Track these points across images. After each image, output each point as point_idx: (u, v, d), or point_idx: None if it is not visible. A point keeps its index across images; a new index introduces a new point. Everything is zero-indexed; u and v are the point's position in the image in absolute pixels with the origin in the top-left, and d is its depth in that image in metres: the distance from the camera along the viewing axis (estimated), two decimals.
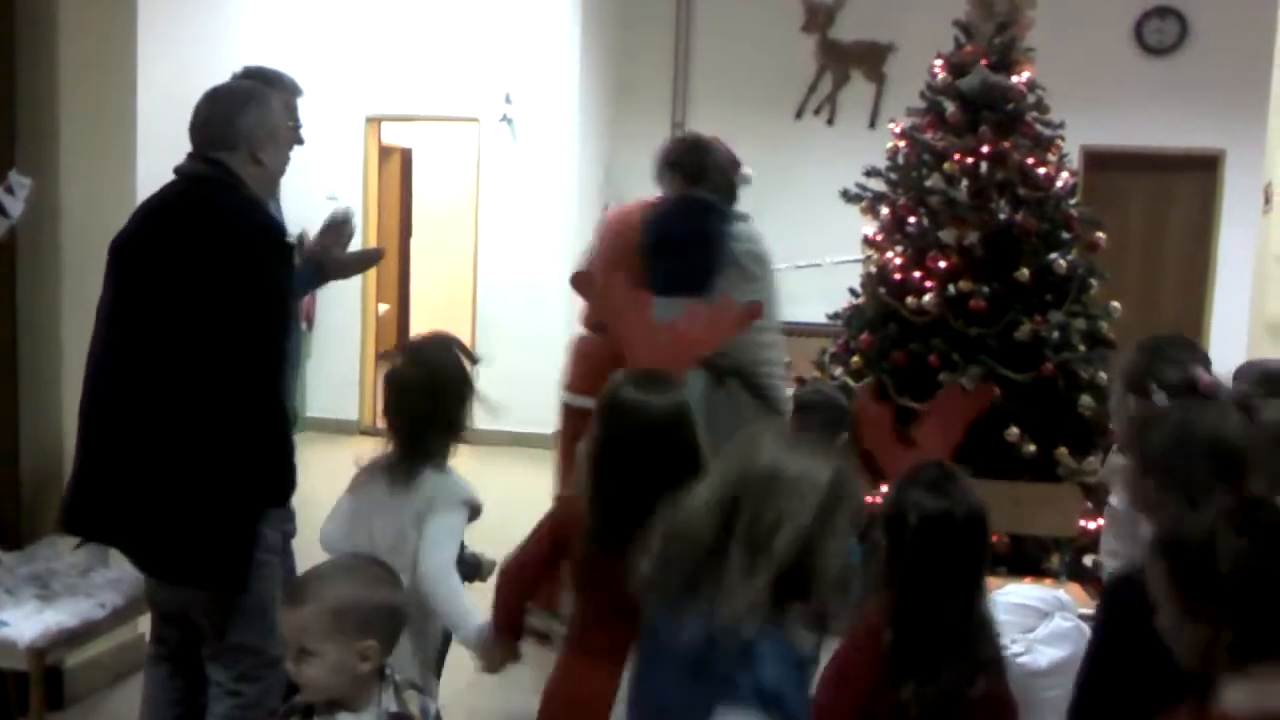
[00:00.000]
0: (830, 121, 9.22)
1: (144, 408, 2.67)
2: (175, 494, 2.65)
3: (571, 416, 4.48)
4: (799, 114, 9.26)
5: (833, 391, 4.05)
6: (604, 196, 8.49)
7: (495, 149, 8.53)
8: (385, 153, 9.81)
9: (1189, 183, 8.91)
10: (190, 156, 2.85)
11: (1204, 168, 8.80)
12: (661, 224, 4.06)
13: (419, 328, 10.28)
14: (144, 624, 3.60)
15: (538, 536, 2.51)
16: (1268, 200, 6.71)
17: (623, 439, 2.26)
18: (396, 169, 11.33)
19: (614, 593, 2.01)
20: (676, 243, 3.93)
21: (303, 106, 3.61)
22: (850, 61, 9.09)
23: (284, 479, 2.79)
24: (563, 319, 7.53)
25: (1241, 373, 4.16)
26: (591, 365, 4.18)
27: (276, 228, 2.87)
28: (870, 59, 9.02)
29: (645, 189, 9.41)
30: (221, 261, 2.66)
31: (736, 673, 1.59)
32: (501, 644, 2.55)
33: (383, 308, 9.60)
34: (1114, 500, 2.97)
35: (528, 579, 2.52)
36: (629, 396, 2.29)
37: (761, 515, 1.69)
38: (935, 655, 2.08)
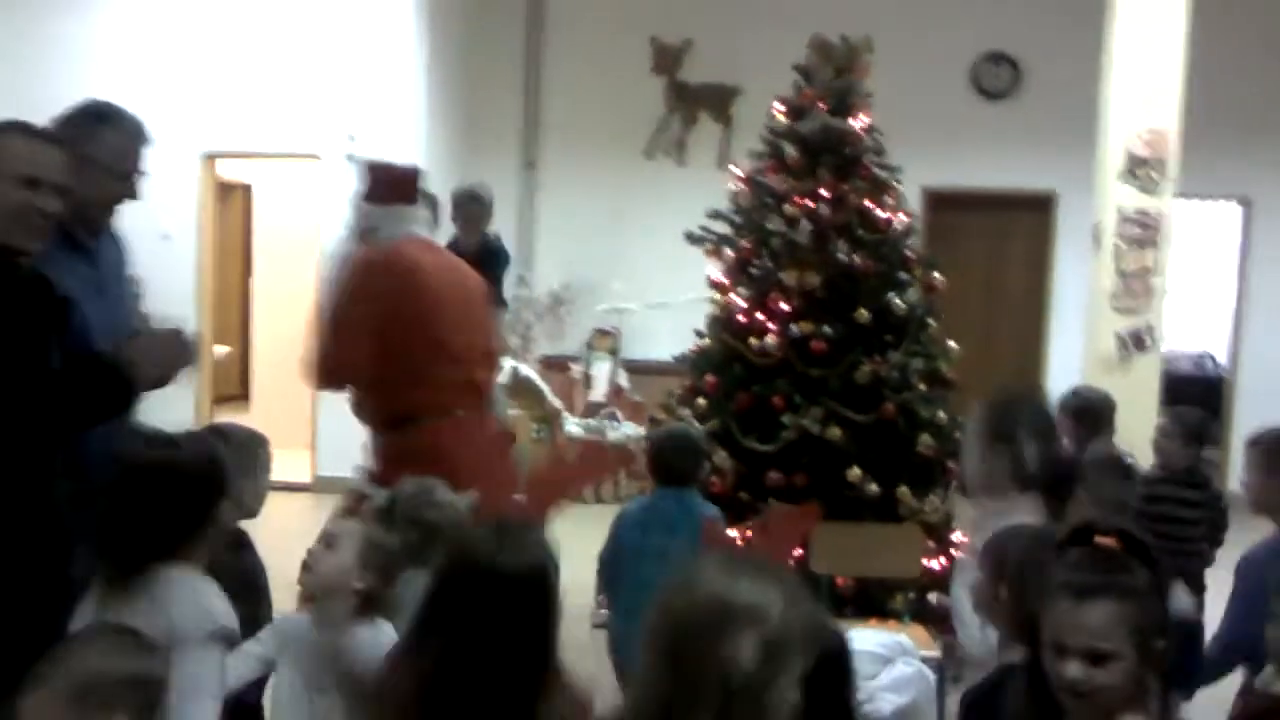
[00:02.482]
0: (680, 162, 9.27)
1: None
2: None
3: None
4: (649, 154, 9.29)
5: (686, 430, 4.02)
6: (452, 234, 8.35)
7: (339, 186, 8.31)
8: (226, 190, 9.48)
9: (1024, 222, 9.21)
10: None
11: (1038, 208, 9.11)
12: None
13: (261, 370, 9.94)
14: None
15: None
16: (1097, 240, 6.96)
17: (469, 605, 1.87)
18: (238, 206, 10.98)
19: None
20: None
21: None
22: (698, 103, 9.16)
23: None
24: None
25: (1064, 401, 4.31)
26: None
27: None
28: (717, 101, 9.10)
29: (500, 226, 9.35)
30: None
31: None
32: None
33: (222, 350, 9.25)
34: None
35: None
36: (480, 556, 1.91)
37: (704, 661, 1.39)
38: None
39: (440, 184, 8.69)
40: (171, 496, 2.26)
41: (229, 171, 9.33)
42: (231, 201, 10.60)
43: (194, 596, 2.22)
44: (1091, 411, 4.13)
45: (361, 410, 3.70)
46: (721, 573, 1.46)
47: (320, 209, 8.40)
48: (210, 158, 8.43)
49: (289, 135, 8.29)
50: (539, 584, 1.89)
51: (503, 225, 9.22)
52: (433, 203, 5.67)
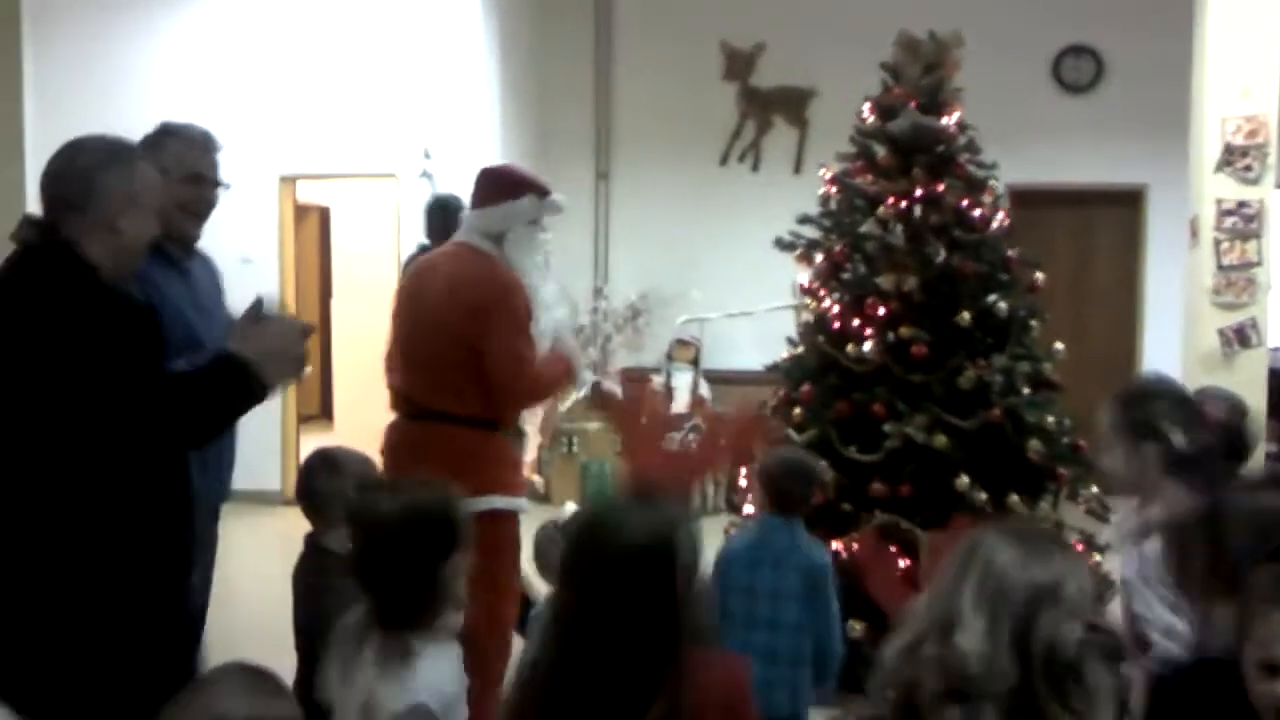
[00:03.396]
0: (755, 168, 9.15)
1: None
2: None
3: None
4: (723, 161, 9.19)
5: (802, 456, 3.83)
6: None
7: (416, 205, 8.31)
8: (302, 211, 9.53)
9: (1113, 218, 8.96)
10: (31, 220, 2.46)
11: (1127, 203, 8.85)
12: None
13: (342, 390, 9.98)
14: None
15: None
16: (1195, 234, 6.72)
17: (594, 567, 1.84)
18: (315, 228, 11.06)
19: None
20: None
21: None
22: (772, 108, 9.04)
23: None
24: None
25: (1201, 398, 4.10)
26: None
27: (92, 322, 2.33)
28: (792, 105, 8.98)
29: (575, 238, 9.27)
30: (34, 360, 2.29)
31: None
32: None
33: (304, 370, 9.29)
34: (1132, 571, 2.61)
35: None
36: (608, 515, 1.90)
37: (1060, 636, 1.54)
38: None
39: None
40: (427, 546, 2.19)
41: (306, 194, 9.39)
42: (308, 223, 10.68)
43: (444, 670, 2.19)
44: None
45: None
46: (1030, 550, 1.59)
47: (398, 228, 8.41)
48: (288, 180, 8.48)
49: (365, 156, 8.31)
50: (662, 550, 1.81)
51: (578, 236, 9.22)
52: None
